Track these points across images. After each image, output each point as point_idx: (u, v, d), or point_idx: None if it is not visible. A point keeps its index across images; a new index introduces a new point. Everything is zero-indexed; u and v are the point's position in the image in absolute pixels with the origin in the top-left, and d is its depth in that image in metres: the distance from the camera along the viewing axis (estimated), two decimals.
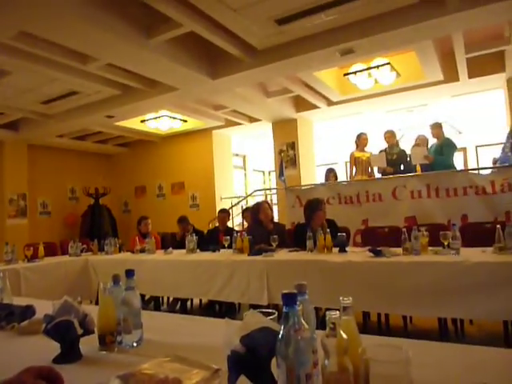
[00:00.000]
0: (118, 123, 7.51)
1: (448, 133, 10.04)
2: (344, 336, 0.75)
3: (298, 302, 0.77)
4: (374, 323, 3.53)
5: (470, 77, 5.95)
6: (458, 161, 9.98)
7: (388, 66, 5.42)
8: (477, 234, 3.72)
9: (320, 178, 7.64)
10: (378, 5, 3.98)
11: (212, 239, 4.92)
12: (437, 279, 2.73)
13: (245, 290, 3.50)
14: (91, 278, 4.57)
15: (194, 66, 5.02)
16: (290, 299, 0.75)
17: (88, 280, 4.56)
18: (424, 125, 8.27)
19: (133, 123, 7.83)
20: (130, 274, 1.31)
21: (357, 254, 3.29)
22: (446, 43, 5.05)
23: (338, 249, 3.48)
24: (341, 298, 0.83)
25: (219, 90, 5.89)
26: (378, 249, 3.09)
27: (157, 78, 5.31)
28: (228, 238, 4.22)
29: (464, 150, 10.95)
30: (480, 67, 5.81)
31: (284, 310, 0.75)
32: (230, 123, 8.27)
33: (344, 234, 3.60)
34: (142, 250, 4.63)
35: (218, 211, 5.63)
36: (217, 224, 5.58)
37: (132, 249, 4.77)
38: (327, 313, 0.76)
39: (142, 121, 7.74)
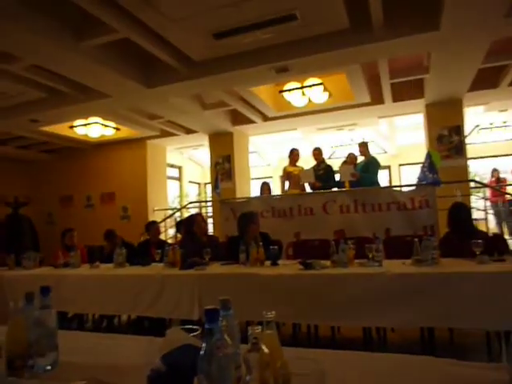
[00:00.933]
0: (43, 128, 7.05)
1: (374, 151, 10.76)
2: (266, 350, 0.76)
3: (220, 318, 0.76)
4: (304, 334, 3.60)
5: (394, 100, 6.43)
6: (382, 178, 10.69)
7: (321, 86, 5.69)
8: (399, 247, 3.96)
9: (255, 192, 7.74)
10: (313, 27, 4.17)
11: (143, 252, 4.74)
12: (362, 290, 2.85)
13: (175, 304, 3.40)
14: (6, 297, 4.17)
15: (128, 73, 4.89)
16: (212, 315, 0.74)
17: (2, 299, 4.16)
18: (354, 143, 8.78)
19: (60, 129, 7.40)
20: (45, 291, 1.22)
21: (288, 267, 3.35)
22: (373, 68, 5.42)
23: (270, 262, 3.52)
24: (264, 313, 0.84)
25: (154, 100, 5.78)
26: (308, 261, 3.17)
27: (87, 83, 5.09)
28: (159, 251, 4.09)
29: (389, 167, 11.74)
30: (403, 92, 6.30)
31: (206, 326, 0.74)
32: (165, 133, 8.12)
33: (276, 247, 3.65)
34: (66, 265, 4.33)
35: (146, 224, 5.44)
36: (148, 236, 5.41)
37: (55, 263, 4.45)
38: (249, 328, 0.76)
39: (71, 127, 7.33)
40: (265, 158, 12.19)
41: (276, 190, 9.03)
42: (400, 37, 4.04)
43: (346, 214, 5.30)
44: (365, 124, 8.60)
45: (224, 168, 7.67)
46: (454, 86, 5.78)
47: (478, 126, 10.02)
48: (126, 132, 8.03)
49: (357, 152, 6.21)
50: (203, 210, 8.56)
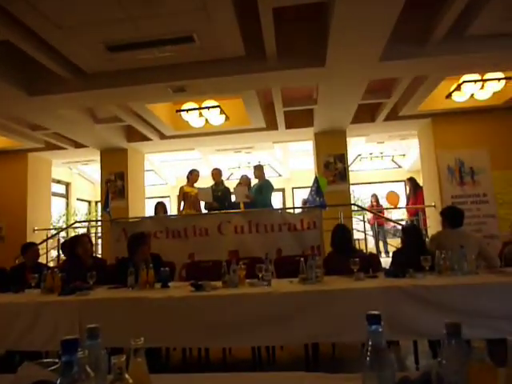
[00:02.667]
0: None
1: (270, 174, 11.25)
2: (130, 381, 0.71)
3: (80, 349, 0.69)
4: (195, 358, 3.52)
5: (286, 127, 6.82)
6: (276, 200, 11.19)
7: (218, 108, 5.79)
8: (289, 266, 4.14)
9: (150, 211, 7.48)
10: (210, 51, 4.24)
11: (16, 278, 4.21)
12: (251, 310, 2.89)
13: (52, 334, 3.06)
14: None
15: (6, 77, 4.42)
16: (69, 347, 0.68)
17: None
18: (251, 165, 9.06)
19: None
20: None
21: (179, 289, 3.27)
22: (268, 96, 5.71)
23: (160, 284, 3.40)
24: (131, 341, 0.79)
25: (38, 109, 5.30)
26: (200, 283, 3.14)
27: None
28: (36, 275, 3.68)
29: (283, 190, 12.34)
30: (295, 120, 6.73)
31: (62, 359, 0.67)
32: (51, 146, 7.46)
33: (167, 268, 3.55)
34: None
35: (22, 245, 4.85)
36: (24, 260, 4.82)
37: None
38: (112, 357, 0.71)
39: None
40: (162, 177, 11.92)
41: (173, 209, 8.85)
42: (291, 69, 4.33)
43: (240, 235, 5.39)
44: (261, 148, 8.96)
45: (116, 186, 7.29)
46: (338, 118, 6.36)
47: (360, 155, 11.14)
48: (3, 142, 7.20)
49: (252, 174, 6.43)
50: (92, 230, 7.98)
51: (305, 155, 9.61)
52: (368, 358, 0.82)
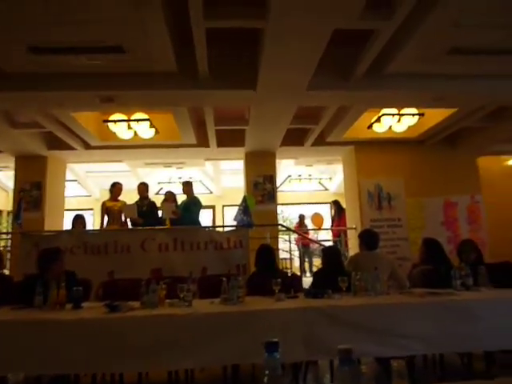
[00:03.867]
0: None
1: (201, 191, 11.16)
2: None
3: None
4: (108, 383, 3.31)
5: (218, 146, 6.85)
6: (206, 217, 11.11)
7: (148, 121, 5.67)
8: (213, 286, 4.08)
9: (69, 224, 7.02)
10: (141, 64, 4.15)
11: None
12: (170, 331, 2.80)
13: None
14: None
15: None
16: None
17: None
18: (181, 181, 8.90)
19: None
20: None
21: (92, 310, 3.07)
22: (199, 112, 5.70)
23: (72, 305, 3.17)
24: (9, 375, 0.72)
25: None
26: (115, 303, 2.98)
27: None
28: None
29: (213, 207, 12.29)
30: (226, 139, 6.78)
31: None
32: None
33: (81, 288, 3.32)
34: None
35: None
36: None
37: None
38: None
39: None
40: (87, 188, 11.30)
41: (97, 224, 8.39)
42: (223, 89, 4.39)
43: (164, 253, 5.24)
44: (192, 164, 8.88)
45: (31, 195, 6.76)
46: (268, 140, 6.53)
47: (289, 176, 11.49)
48: None
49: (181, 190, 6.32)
50: (2, 243, 7.29)
51: (236, 174, 9.69)
52: None
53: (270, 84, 4.28)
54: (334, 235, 9.00)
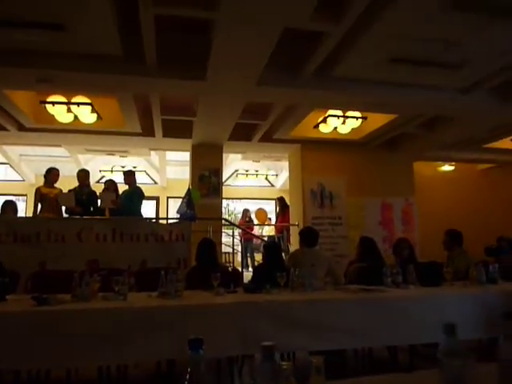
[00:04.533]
0: None
1: (145, 182, 10.86)
2: None
3: None
4: (33, 380, 3.13)
5: (164, 135, 6.69)
6: (150, 209, 10.84)
7: (89, 106, 5.39)
8: (152, 279, 3.98)
9: None
10: (83, 44, 3.93)
11: None
12: (103, 326, 2.70)
13: None
14: None
15: None
16: None
17: None
18: (125, 169, 8.59)
19: None
20: None
21: (18, 303, 2.89)
22: (145, 100, 5.52)
23: None
24: None
25: None
26: (44, 296, 2.82)
27: None
28: None
29: (157, 199, 12.01)
30: (173, 129, 6.63)
31: None
32: None
33: (7, 279, 3.10)
34: None
35: None
36: None
37: None
38: None
39: None
40: (20, 172, 10.56)
41: (30, 211, 7.87)
42: (171, 78, 4.27)
43: (102, 244, 5.04)
44: (137, 153, 8.61)
45: None
46: (216, 133, 6.48)
47: (236, 171, 11.49)
48: None
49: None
50: None
51: (182, 165, 9.54)
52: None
53: (219, 76, 4.24)
54: (278, 231, 9.15)
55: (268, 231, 10.81)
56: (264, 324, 2.89)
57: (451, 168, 9.93)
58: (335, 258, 6.80)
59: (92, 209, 5.69)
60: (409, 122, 6.30)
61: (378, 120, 6.41)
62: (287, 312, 2.95)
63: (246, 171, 11.50)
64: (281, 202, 9.17)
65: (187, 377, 0.81)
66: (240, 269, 6.75)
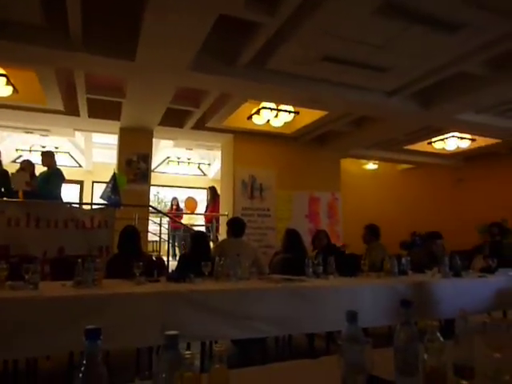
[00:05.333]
0: None
1: (68, 164, 10.18)
2: None
3: None
4: None
5: (90, 116, 6.30)
6: (70, 193, 10.18)
7: (4, 77, 4.90)
8: (69, 267, 3.74)
9: None
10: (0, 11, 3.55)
11: None
12: (10, 317, 2.48)
13: None
14: None
15: None
16: None
17: None
18: (46, 149, 7.96)
19: None
20: None
21: None
22: (69, 77, 5.14)
23: None
24: None
25: None
26: None
27: None
28: None
29: (81, 183, 11.34)
30: (100, 110, 6.27)
31: None
32: None
33: None
34: None
35: None
36: None
37: None
38: None
39: None
40: None
41: None
42: (97, 54, 4.01)
43: (14, 228, 4.65)
44: (60, 133, 8.02)
45: None
46: (146, 117, 6.24)
47: (168, 158, 11.20)
48: None
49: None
50: None
51: (110, 149, 9.07)
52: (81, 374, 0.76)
53: (150, 57, 4.06)
54: (207, 221, 9.11)
55: (198, 220, 10.70)
56: (185, 313, 2.86)
57: (375, 167, 10.55)
58: (263, 248, 6.93)
59: (3, 190, 5.20)
60: (338, 120, 6.56)
61: (310, 116, 6.59)
62: (209, 301, 2.94)
63: (178, 158, 11.25)
64: (211, 191, 9.13)
65: (82, 369, 0.76)
66: (166, 258, 6.61)
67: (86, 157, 10.39)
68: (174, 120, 6.70)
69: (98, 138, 8.78)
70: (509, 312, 4.25)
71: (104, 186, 5.41)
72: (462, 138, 7.48)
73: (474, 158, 8.95)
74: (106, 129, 7.07)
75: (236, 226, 4.21)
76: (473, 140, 7.54)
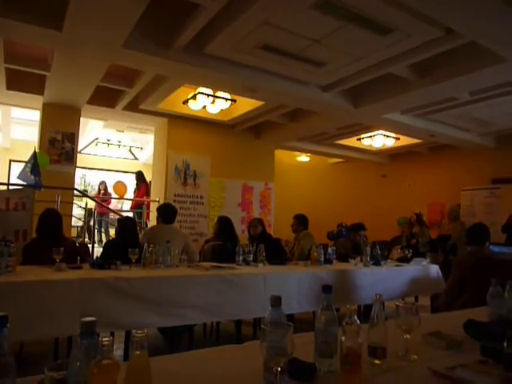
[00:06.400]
0: None
1: None
2: None
3: None
4: None
5: (8, 88, 5.75)
6: None
7: None
8: None
9: None
10: None
11: None
12: None
13: None
14: None
15: None
16: None
17: None
18: None
19: None
20: None
21: None
22: None
23: None
24: None
25: None
26: None
27: None
28: None
29: None
30: (20, 82, 5.75)
31: None
32: None
33: None
34: None
35: None
36: None
37: None
38: None
39: None
40: None
41: None
42: (18, 20, 3.64)
43: None
44: None
45: None
46: (72, 94, 5.82)
47: (97, 139, 10.60)
48: None
49: None
50: None
51: (31, 125, 8.37)
52: None
53: (79, 29, 3.77)
54: (132, 206, 8.85)
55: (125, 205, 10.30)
56: (109, 302, 2.75)
57: (307, 159, 10.88)
58: (194, 236, 6.87)
59: None
60: (274, 111, 6.64)
61: (247, 105, 6.59)
62: (134, 289, 2.85)
63: (108, 140, 10.71)
64: (138, 176, 8.90)
65: None
66: (91, 244, 6.30)
67: (4, 133, 9.50)
68: (104, 99, 6.34)
69: (17, 112, 8.05)
70: (420, 298, 4.65)
71: (23, 165, 4.99)
72: (387, 137, 7.96)
73: (398, 155, 9.58)
74: (26, 103, 6.50)
75: (166, 213, 4.12)
76: (397, 139, 8.04)
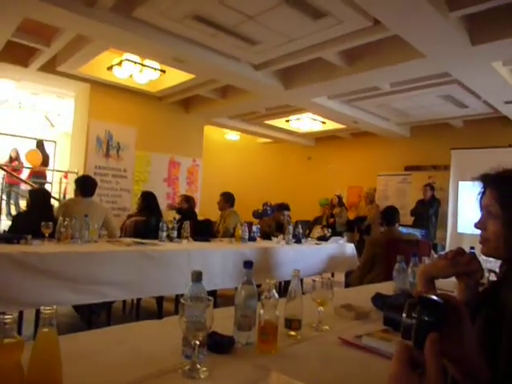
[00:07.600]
0: None
1: None
2: None
3: None
4: None
5: None
6: None
7: None
8: None
9: None
10: None
11: None
12: None
13: None
14: None
15: None
16: None
17: None
18: None
19: None
20: None
21: None
22: None
23: None
24: None
25: None
26: None
27: None
28: None
29: None
30: None
31: None
32: None
33: None
34: None
35: None
36: None
37: None
38: None
39: None
40: None
41: None
42: None
43: None
44: None
45: None
46: None
47: (7, 101, 9.57)
48: None
49: None
50: None
51: None
52: None
53: None
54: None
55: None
56: (16, 279, 2.56)
57: (237, 138, 10.87)
58: (116, 211, 6.59)
59: None
60: (204, 86, 6.49)
61: (177, 77, 6.35)
62: (46, 265, 2.68)
63: (20, 103, 9.72)
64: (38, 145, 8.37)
65: None
66: None
67: None
68: (16, 56, 5.70)
69: None
70: (336, 274, 4.95)
71: None
72: (314, 120, 8.21)
73: (323, 139, 9.96)
74: None
75: (85, 185, 3.87)
76: (323, 123, 8.34)
